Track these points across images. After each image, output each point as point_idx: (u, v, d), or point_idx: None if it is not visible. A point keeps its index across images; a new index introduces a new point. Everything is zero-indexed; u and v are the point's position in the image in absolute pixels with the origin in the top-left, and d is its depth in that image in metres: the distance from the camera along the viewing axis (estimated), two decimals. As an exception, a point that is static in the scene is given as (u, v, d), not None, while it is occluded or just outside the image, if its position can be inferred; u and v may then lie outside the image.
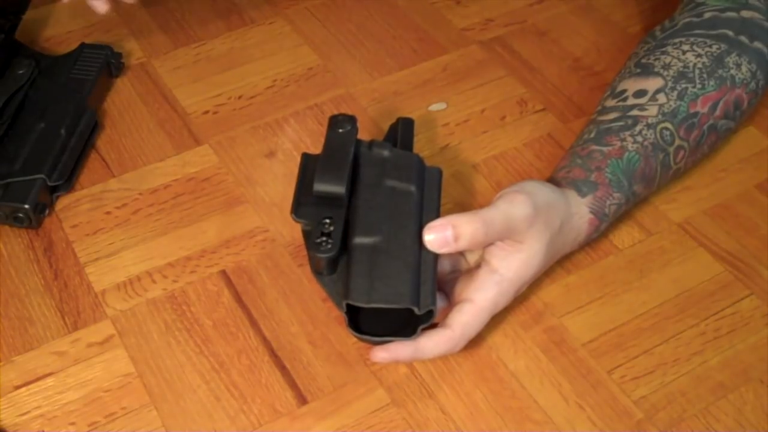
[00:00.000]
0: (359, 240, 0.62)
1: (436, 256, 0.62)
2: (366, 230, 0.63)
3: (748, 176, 0.78)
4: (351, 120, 0.68)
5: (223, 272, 0.71)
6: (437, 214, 0.65)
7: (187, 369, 0.65)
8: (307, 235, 0.64)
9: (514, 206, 0.62)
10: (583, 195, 0.67)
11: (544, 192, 0.65)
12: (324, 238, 0.62)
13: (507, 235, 0.62)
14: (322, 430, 0.62)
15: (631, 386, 0.65)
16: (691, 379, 0.65)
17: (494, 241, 0.63)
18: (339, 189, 0.63)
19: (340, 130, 0.67)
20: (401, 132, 0.73)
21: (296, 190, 0.66)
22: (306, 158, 0.68)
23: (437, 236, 0.61)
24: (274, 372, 0.65)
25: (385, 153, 0.67)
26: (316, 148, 0.80)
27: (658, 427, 0.63)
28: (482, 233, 0.61)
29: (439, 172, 0.68)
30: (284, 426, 0.63)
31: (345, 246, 0.63)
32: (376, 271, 0.61)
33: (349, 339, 0.67)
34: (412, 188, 0.65)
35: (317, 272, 0.63)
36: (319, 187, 0.64)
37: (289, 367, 0.66)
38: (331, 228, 0.62)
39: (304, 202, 0.65)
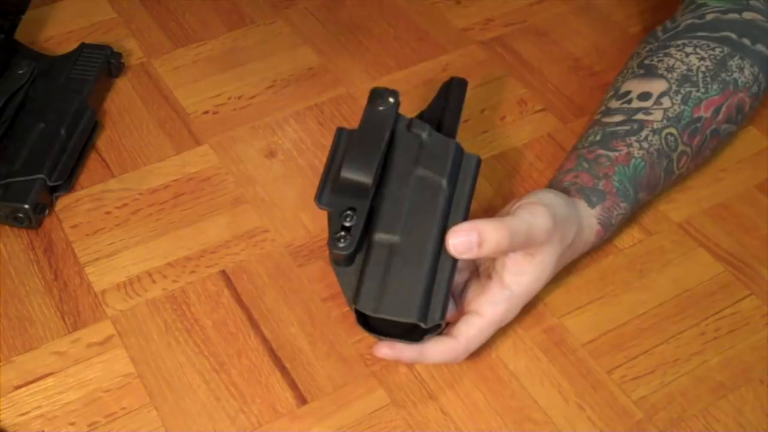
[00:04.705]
0: (379, 236, 0.62)
1: (454, 262, 0.61)
2: (387, 226, 0.62)
3: (748, 176, 0.78)
4: (393, 94, 0.66)
5: (223, 272, 0.71)
6: (466, 212, 0.63)
7: (187, 369, 0.65)
8: (329, 221, 0.63)
9: (536, 218, 0.61)
10: (592, 205, 0.67)
11: (561, 205, 0.64)
12: (343, 233, 0.61)
13: (525, 246, 0.62)
14: (322, 430, 0.62)
15: (631, 386, 0.65)
16: (691, 379, 0.65)
17: (514, 251, 0.62)
18: (367, 179, 0.62)
19: (381, 107, 0.65)
20: (451, 95, 0.70)
21: (325, 171, 0.64)
22: (340, 135, 0.66)
23: (461, 241, 0.60)
24: (274, 372, 0.65)
25: (423, 136, 0.65)
26: (316, 148, 0.81)
27: (658, 427, 0.63)
28: (507, 242, 0.60)
29: (477, 161, 0.65)
30: (284, 426, 0.63)
31: (366, 235, 0.62)
32: (389, 276, 0.60)
33: (349, 339, 0.67)
34: (444, 182, 0.63)
35: (334, 262, 0.63)
36: (347, 174, 0.62)
37: (289, 367, 0.66)
38: (353, 221, 0.61)
39: (330, 187, 0.63)
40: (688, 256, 0.73)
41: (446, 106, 0.70)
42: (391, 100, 0.65)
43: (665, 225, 0.75)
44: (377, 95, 0.66)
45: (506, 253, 0.62)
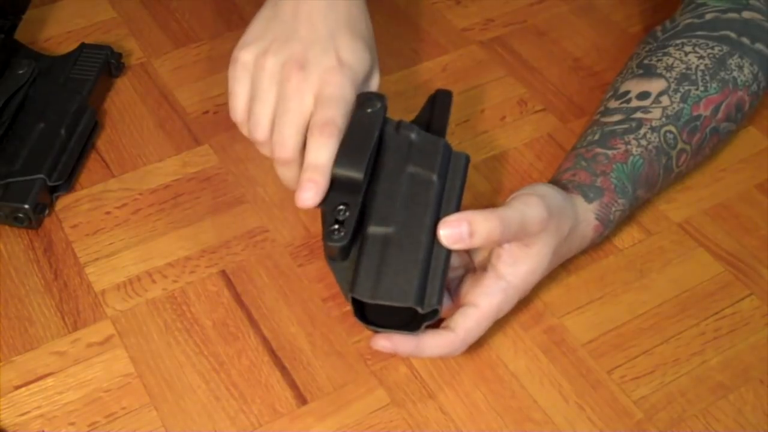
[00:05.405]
0: (373, 229, 0.62)
1: (448, 252, 0.61)
2: (381, 219, 0.62)
3: (748, 176, 0.78)
4: (380, 98, 0.66)
5: (223, 272, 0.71)
6: (457, 205, 0.63)
7: (187, 369, 0.65)
8: (323, 217, 0.63)
9: (529, 208, 0.61)
10: (589, 201, 0.67)
11: (556, 197, 0.64)
12: (337, 227, 0.61)
13: (520, 236, 0.62)
14: (322, 430, 0.62)
15: (631, 386, 0.65)
16: (691, 379, 0.65)
17: (507, 242, 0.62)
18: (358, 175, 0.62)
19: (369, 110, 0.66)
20: (437, 106, 0.71)
21: None
22: None
23: (452, 231, 0.60)
24: (274, 372, 0.65)
25: (412, 136, 0.65)
26: (316, 148, 0.80)
27: (658, 427, 0.63)
28: (498, 232, 0.60)
29: (466, 159, 0.66)
30: (284, 426, 0.63)
31: (359, 231, 0.62)
32: (384, 265, 0.60)
33: (349, 339, 0.67)
34: (434, 177, 0.63)
35: (329, 257, 0.63)
36: (338, 170, 0.63)
37: (289, 367, 0.66)
38: (347, 215, 0.62)
39: None
40: (688, 256, 0.73)
41: (432, 113, 0.71)
42: (378, 104, 0.66)
43: (665, 225, 0.75)
44: (365, 99, 0.66)
45: (500, 243, 0.62)
